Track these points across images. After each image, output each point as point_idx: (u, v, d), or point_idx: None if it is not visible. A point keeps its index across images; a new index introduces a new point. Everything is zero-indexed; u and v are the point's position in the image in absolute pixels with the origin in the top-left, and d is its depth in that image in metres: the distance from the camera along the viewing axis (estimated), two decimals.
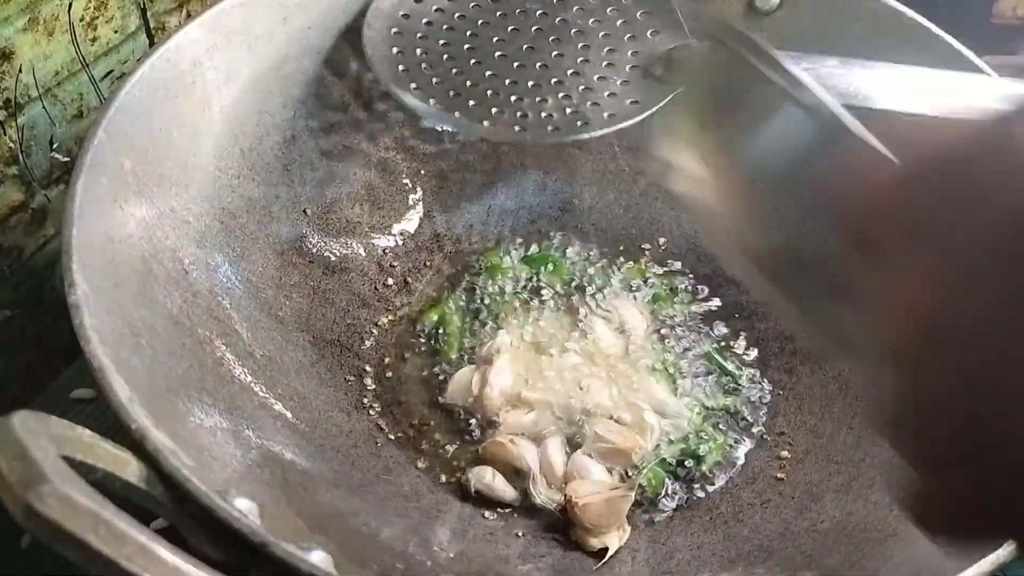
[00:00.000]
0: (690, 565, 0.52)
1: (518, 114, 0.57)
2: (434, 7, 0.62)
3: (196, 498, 0.36)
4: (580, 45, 0.61)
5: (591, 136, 0.57)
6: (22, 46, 0.55)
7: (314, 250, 0.63)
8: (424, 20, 0.61)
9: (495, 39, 0.61)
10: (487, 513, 0.55)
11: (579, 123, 0.57)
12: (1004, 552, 0.40)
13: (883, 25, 0.61)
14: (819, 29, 0.64)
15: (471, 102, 0.58)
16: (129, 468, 0.36)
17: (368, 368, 0.61)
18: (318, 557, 0.37)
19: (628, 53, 0.60)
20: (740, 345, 0.63)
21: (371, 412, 0.59)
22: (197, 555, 0.30)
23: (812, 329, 0.35)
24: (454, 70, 0.59)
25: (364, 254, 0.65)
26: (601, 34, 0.61)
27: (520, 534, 0.54)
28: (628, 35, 0.61)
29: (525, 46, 0.61)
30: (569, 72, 0.59)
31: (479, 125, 0.57)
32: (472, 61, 0.60)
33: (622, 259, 0.68)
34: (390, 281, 0.65)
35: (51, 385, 0.62)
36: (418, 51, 0.60)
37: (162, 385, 0.45)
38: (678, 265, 0.68)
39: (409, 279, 0.66)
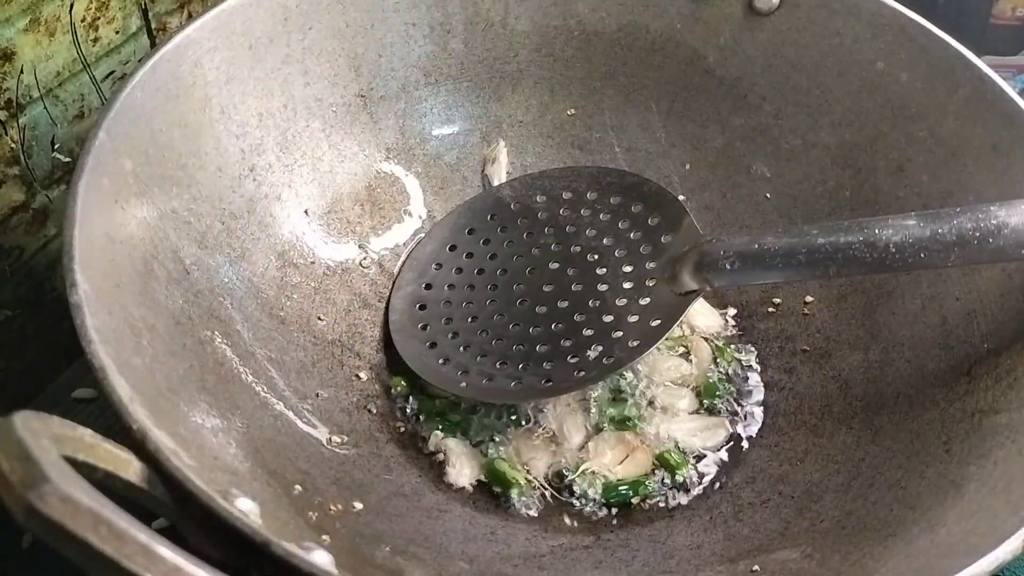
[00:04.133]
0: (690, 564, 0.52)
1: (546, 365, 0.57)
2: (455, 268, 0.63)
3: (197, 498, 0.36)
4: (599, 270, 0.60)
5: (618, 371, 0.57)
6: (23, 47, 0.55)
7: (315, 250, 0.63)
8: (446, 285, 0.63)
9: (514, 285, 0.61)
10: (489, 513, 0.55)
11: (606, 360, 0.56)
12: (1002, 551, 0.40)
13: (883, 25, 0.61)
14: (819, 29, 0.64)
15: (498, 365, 0.58)
16: (130, 468, 0.36)
17: (369, 368, 0.61)
18: (319, 557, 0.37)
19: (646, 265, 0.59)
20: (740, 344, 0.63)
21: (372, 411, 0.59)
22: (198, 555, 0.30)
23: None
24: (479, 331, 0.60)
25: (365, 254, 0.65)
26: (616, 252, 0.61)
27: (521, 534, 0.54)
28: (643, 246, 0.60)
29: (544, 285, 0.61)
30: (592, 302, 0.59)
31: (510, 390, 0.57)
32: (495, 316, 0.60)
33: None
34: (391, 281, 0.65)
35: (52, 385, 0.63)
36: (442, 320, 0.61)
37: (163, 385, 0.45)
38: None
39: None
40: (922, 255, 0.49)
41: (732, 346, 0.63)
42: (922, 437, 0.53)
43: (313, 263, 0.63)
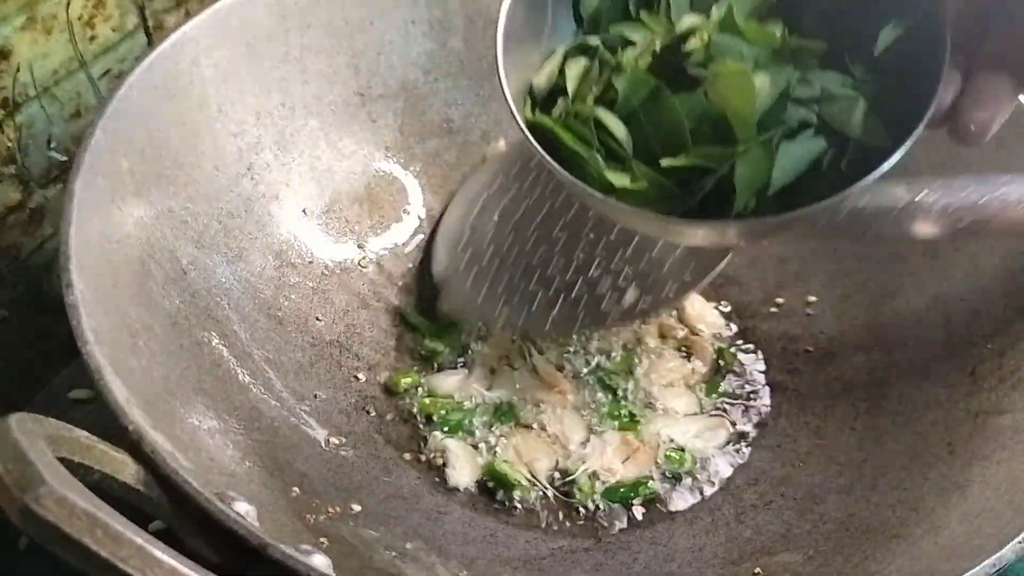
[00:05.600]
0: (691, 567, 0.52)
1: (582, 303, 0.57)
2: (500, 206, 0.63)
3: (194, 500, 0.36)
4: None
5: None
6: (20, 45, 0.55)
7: (313, 250, 0.63)
8: (491, 221, 0.62)
9: (559, 225, 0.61)
10: (488, 515, 0.55)
11: (641, 305, 0.57)
12: (1006, 552, 0.39)
13: None
14: None
15: (535, 300, 0.58)
16: (126, 470, 0.36)
17: (367, 369, 0.60)
18: (317, 560, 0.36)
19: None
20: (742, 345, 0.63)
21: (370, 413, 0.58)
22: (195, 557, 0.30)
23: None
24: (519, 268, 0.60)
25: (363, 254, 0.65)
26: None
27: (521, 536, 0.54)
28: None
29: (587, 229, 0.60)
30: (632, 247, 0.59)
31: (545, 328, 0.58)
32: (536, 254, 0.60)
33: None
34: (389, 281, 0.65)
35: (48, 385, 0.62)
36: (483, 256, 0.61)
37: (160, 386, 0.44)
38: None
39: (409, 279, 0.66)
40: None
41: (734, 347, 0.63)
42: (925, 438, 0.53)
43: (311, 263, 0.62)
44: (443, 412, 0.58)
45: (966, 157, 0.54)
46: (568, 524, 0.54)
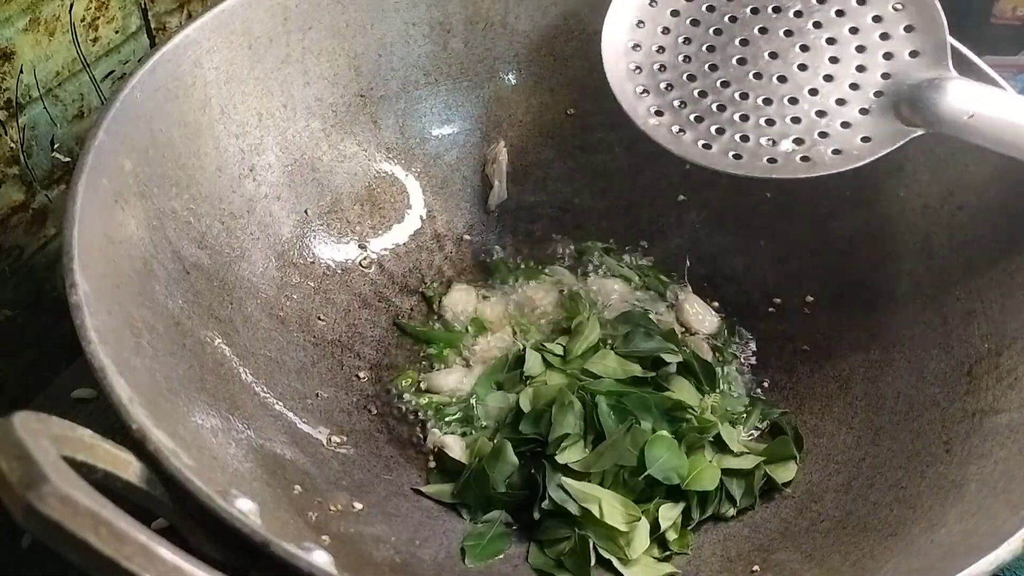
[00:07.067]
0: (690, 564, 0.52)
1: (738, 137, 0.54)
2: (670, 10, 0.58)
3: (197, 498, 0.36)
4: (828, 56, 0.55)
5: (806, 176, 0.53)
6: (23, 46, 0.55)
7: (315, 250, 0.63)
8: (660, 27, 0.58)
9: (738, 40, 0.56)
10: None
11: (799, 158, 0.53)
12: (1002, 551, 0.40)
13: None
14: None
15: (692, 117, 0.55)
16: (130, 468, 0.36)
17: (368, 368, 0.61)
18: (319, 557, 0.37)
19: (878, 75, 0.54)
20: (740, 344, 0.63)
21: (371, 411, 0.59)
22: (198, 555, 0.30)
23: None
24: (685, 75, 0.56)
25: (365, 254, 0.65)
26: (855, 46, 0.55)
27: (521, 534, 0.54)
28: (884, 51, 0.54)
29: (768, 51, 0.56)
30: (807, 89, 0.55)
31: (696, 149, 0.54)
32: (707, 65, 0.56)
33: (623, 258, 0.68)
34: (391, 281, 0.65)
35: (52, 385, 0.63)
36: (655, 64, 0.57)
37: (163, 385, 0.45)
38: (676, 264, 0.68)
39: (410, 279, 0.66)
40: None
41: (732, 346, 0.63)
42: (923, 437, 0.53)
43: (313, 263, 0.62)
44: (443, 410, 0.59)
45: None
46: None
